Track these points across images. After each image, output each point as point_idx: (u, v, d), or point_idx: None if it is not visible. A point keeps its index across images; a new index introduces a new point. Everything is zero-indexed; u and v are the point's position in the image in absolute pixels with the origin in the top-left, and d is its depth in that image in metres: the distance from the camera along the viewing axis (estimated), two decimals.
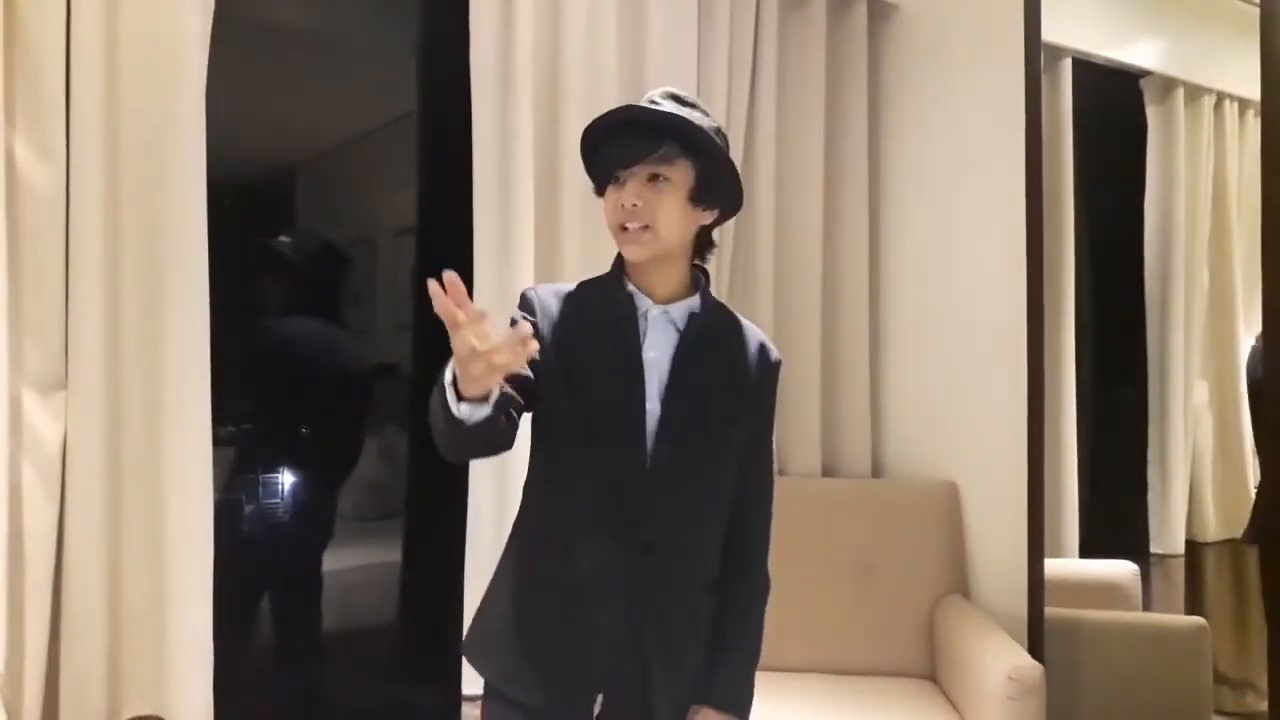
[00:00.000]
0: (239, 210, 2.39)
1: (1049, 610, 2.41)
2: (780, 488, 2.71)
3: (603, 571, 1.38)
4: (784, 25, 2.77)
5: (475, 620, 1.52)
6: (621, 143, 1.37)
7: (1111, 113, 2.73)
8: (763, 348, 1.51)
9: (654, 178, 1.37)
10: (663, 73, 2.51)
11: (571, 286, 1.48)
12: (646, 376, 1.40)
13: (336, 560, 3.40)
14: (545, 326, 1.40)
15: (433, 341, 3.04)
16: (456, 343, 1.12)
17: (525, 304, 1.45)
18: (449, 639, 2.34)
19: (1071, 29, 2.60)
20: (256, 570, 2.83)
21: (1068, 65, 2.63)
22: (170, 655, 1.93)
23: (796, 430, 2.81)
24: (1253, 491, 2.50)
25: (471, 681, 2.30)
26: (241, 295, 2.64)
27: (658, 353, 1.42)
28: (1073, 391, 2.63)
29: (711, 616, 1.47)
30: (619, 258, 1.45)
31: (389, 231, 3.36)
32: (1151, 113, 2.63)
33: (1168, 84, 2.61)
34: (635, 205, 1.36)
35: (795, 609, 2.59)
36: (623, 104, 1.42)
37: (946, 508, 2.67)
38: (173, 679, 1.93)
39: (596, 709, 1.39)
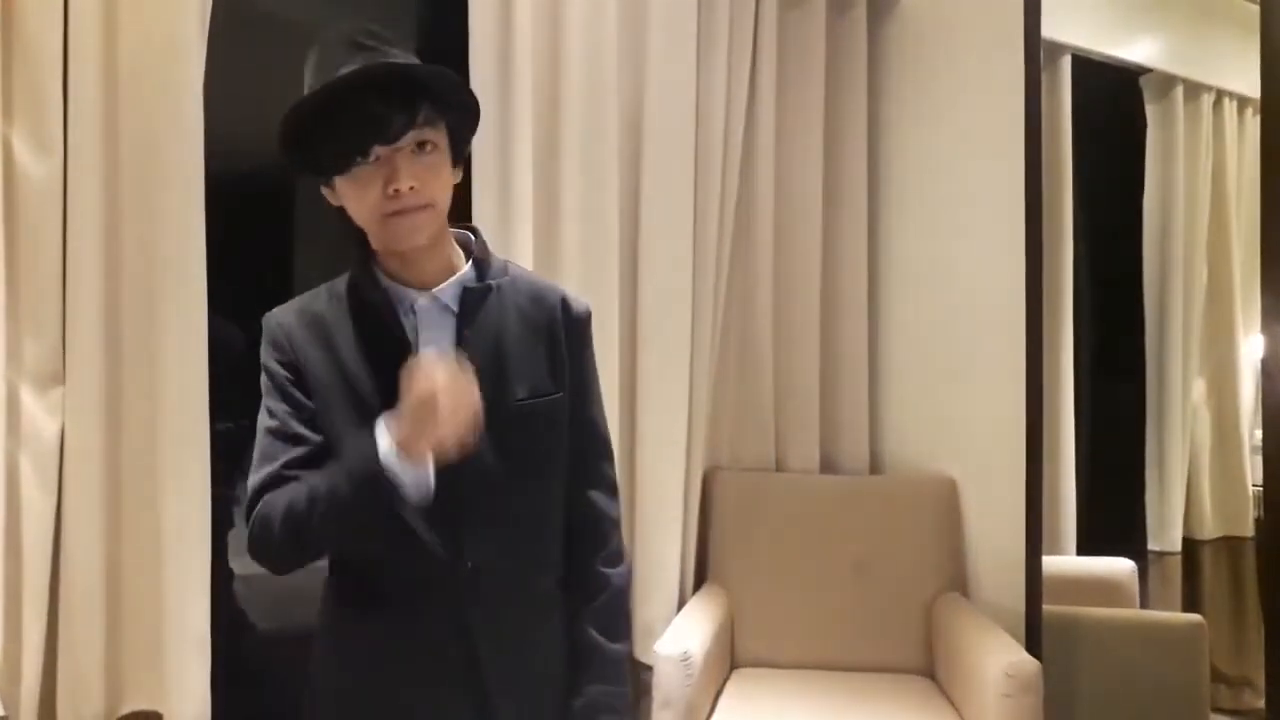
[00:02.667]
0: (238, 205, 2.38)
1: (1047, 607, 2.42)
2: (778, 483, 2.75)
3: (429, 617, 1.20)
4: (783, 23, 2.77)
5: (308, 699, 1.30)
6: (367, 111, 1.10)
7: (1111, 110, 2.74)
8: (565, 302, 1.29)
9: (420, 146, 1.15)
10: (662, 72, 2.51)
11: (315, 299, 1.26)
12: None
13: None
14: (305, 360, 1.20)
15: None
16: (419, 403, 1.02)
17: (274, 344, 1.22)
18: None
19: (1071, 26, 2.60)
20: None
21: (1067, 62, 2.63)
22: (168, 651, 1.93)
23: (795, 427, 2.81)
24: (1251, 490, 2.51)
25: None
26: (239, 290, 2.64)
27: (437, 347, 1.18)
28: (1071, 388, 2.63)
29: (561, 634, 1.29)
30: (361, 250, 1.24)
31: None
32: (1151, 110, 2.63)
33: (1167, 81, 2.61)
34: (413, 188, 1.13)
35: (793, 605, 2.59)
36: (325, 60, 1.15)
37: (945, 504, 2.67)
38: (171, 674, 1.93)
39: None
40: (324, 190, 1.21)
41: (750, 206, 2.75)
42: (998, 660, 2.08)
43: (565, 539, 1.30)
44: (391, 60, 1.13)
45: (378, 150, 1.12)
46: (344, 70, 1.10)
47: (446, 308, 1.22)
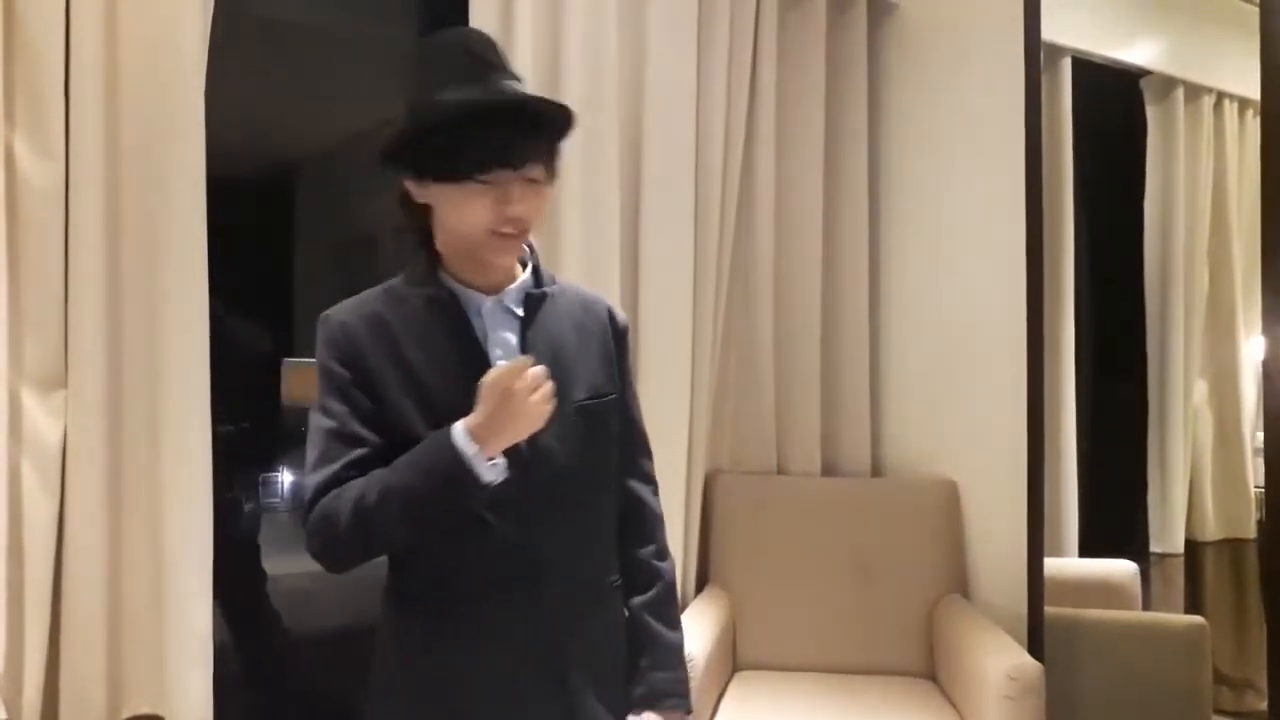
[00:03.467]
0: (240, 208, 2.38)
1: (1049, 609, 2.42)
2: (780, 486, 2.75)
3: (513, 611, 1.23)
4: (784, 24, 2.77)
5: (371, 700, 1.31)
6: (503, 136, 1.15)
7: (1111, 112, 2.74)
8: (611, 312, 1.37)
9: (533, 179, 1.20)
10: (662, 73, 2.51)
11: (373, 300, 1.27)
12: None
13: None
14: (367, 360, 1.22)
15: None
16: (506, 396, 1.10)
17: (334, 343, 1.23)
18: None
19: (1071, 28, 2.60)
20: (257, 568, 2.84)
21: (1067, 64, 2.63)
22: (170, 654, 1.93)
23: (796, 429, 2.81)
24: (1253, 492, 2.50)
25: None
26: (241, 292, 2.64)
27: (505, 350, 1.25)
28: (1072, 390, 2.63)
29: (623, 621, 1.35)
30: (426, 252, 1.28)
31: (389, 229, 3.35)
32: (1151, 112, 2.63)
33: (1167, 83, 2.61)
34: (526, 213, 1.19)
35: (795, 608, 2.59)
36: (467, 76, 1.18)
37: (946, 507, 2.67)
38: (172, 678, 1.92)
39: None
40: (409, 184, 1.22)
41: (751, 208, 2.75)
42: (1000, 662, 2.08)
43: (622, 542, 1.37)
44: (529, 93, 1.20)
45: (499, 173, 1.16)
46: (481, 91, 1.16)
47: (510, 311, 1.27)
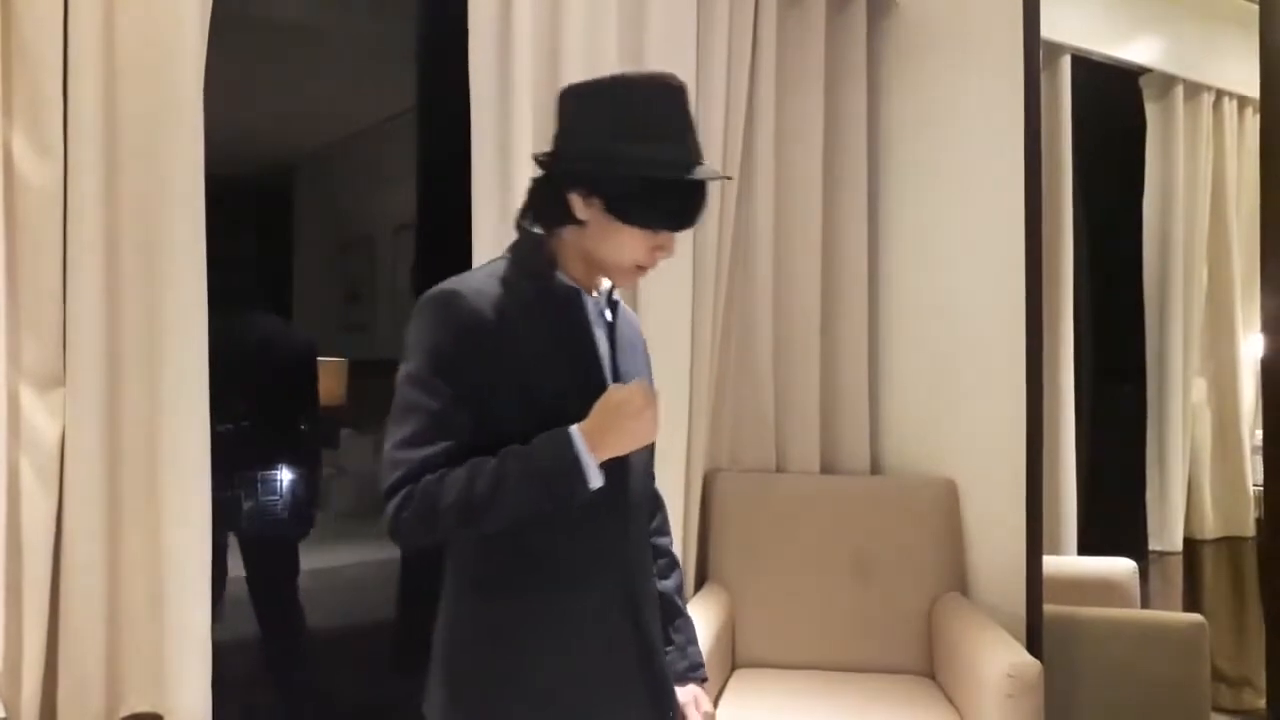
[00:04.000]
0: (238, 207, 2.38)
1: (1048, 608, 2.42)
2: (779, 484, 2.75)
3: (611, 595, 1.32)
4: (783, 23, 2.77)
5: (454, 687, 1.33)
6: (695, 204, 1.27)
7: (1111, 110, 2.74)
8: (638, 321, 1.52)
9: None
10: (661, 70, 2.51)
11: (489, 285, 1.29)
12: (607, 377, 1.34)
13: (335, 557, 3.41)
14: (485, 347, 1.24)
15: None
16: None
17: (449, 323, 1.25)
18: None
19: (1071, 26, 2.60)
20: (254, 566, 2.84)
21: (1067, 62, 2.63)
22: (169, 652, 1.93)
23: (795, 427, 2.81)
24: (1252, 490, 2.51)
25: None
26: (239, 292, 2.64)
27: (603, 347, 1.36)
28: (1071, 389, 2.63)
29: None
30: (534, 240, 1.33)
31: (388, 228, 3.36)
32: (1150, 110, 2.63)
33: (1167, 81, 2.61)
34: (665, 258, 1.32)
35: (793, 606, 2.59)
36: (679, 136, 1.27)
37: (945, 505, 2.67)
38: (171, 676, 1.92)
39: None
40: (581, 198, 1.27)
41: (750, 206, 2.75)
42: (999, 661, 2.08)
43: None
44: (715, 171, 1.29)
45: (674, 228, 1.28)
46: (688, 154, 1.26)
47: (602, 313, 1.37)
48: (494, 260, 1.37)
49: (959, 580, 2.64)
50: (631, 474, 1.34)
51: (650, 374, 1.47)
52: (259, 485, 2.87)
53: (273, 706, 2.82)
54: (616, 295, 1.40)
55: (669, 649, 1.47)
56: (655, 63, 2.51)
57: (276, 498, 2.89)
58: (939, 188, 2.81)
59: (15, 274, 1.81)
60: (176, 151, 1.92)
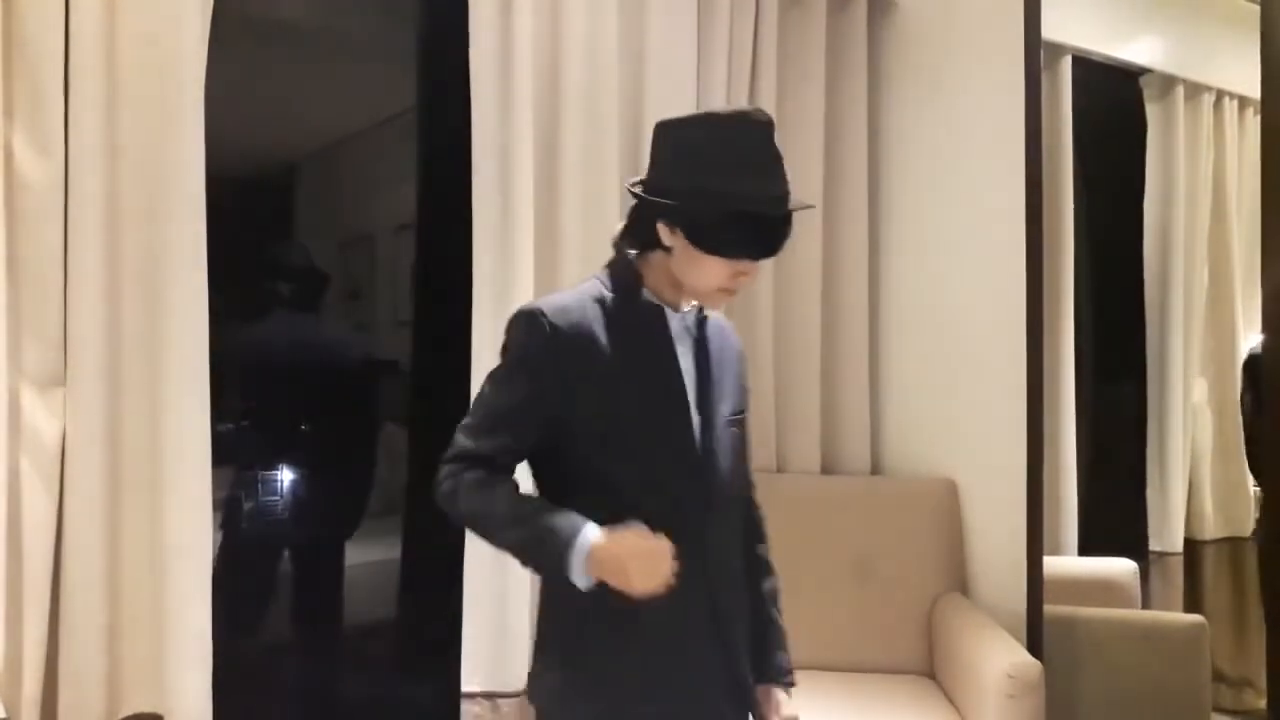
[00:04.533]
0: (238, 206, 2.38)
1: (1048, 608, 2.42)
2: (780, 485, 2.75)
3: (691, 599, 1.35)
4: (783, 23, 2.77)
5: (549, 683, 1.43)
6: (774, 234, 1.35)
7: (1111, 110, 2.73)
8: (736, 337, 1.55)
9: None
10: (663, 70, 2.51)
11: (580, 303, 1.37)
12: (688, 392, 1.40)
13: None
14: (570, 359, 1.33)
15: (431, 338, 3.04)
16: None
17: (540, 342, 1.33)
18: (448, 636, 2.35)
19: (1071, 26, 2.60)
20: (255, 567, 2.84)
21: (1067, 63, 2.63)
22: (169, 653, 1.93)
23: (796, 428, 2.81)
24: (1252, 490, 2.50)
25: (471, 679, 2.30)
26: (240, 292, 2.64)
27: (685, 362, 1.42)
28: (1072, 389, 2.63)
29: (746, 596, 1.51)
30: (625, 260, 1.41)
31: (389, 228, 3.35)
32: (1151, 110, 2.63)
33: (1167, 82, 2.61)
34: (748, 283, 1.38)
35: (794, 606, 2.57)
36: (759, 168, 1.34)
37: (946, 505, 2.67)
38: (171, 676, 1.93)
39: None
40: (667, 227, 1.35)
41: None
42: (999, 661, 2.08)
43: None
44: (796, 203, 1.35)
45: (754, 257, 1.35)
46: (774, 188, 1.33)
47: (687, 328, 1.44)
48: (588, 278, 1.44)
49: (959, 580, 2.64)
50: (710, 478, 1.39)
51: (743, 385, 1.51)
52: (259, 486, 2.87)
53: (273, 707, 2.82)
54: (708, 311, 1.47)
55: (762, 653, 1.51)
56: (656, 64, 2.52)
57: (276, 498, 2.89)
58: (939, 188, 2.81)
59: (16, 274, 1.81)
60: (177, 151, 1.92)
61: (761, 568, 1.57)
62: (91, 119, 1.86)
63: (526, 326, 1.35)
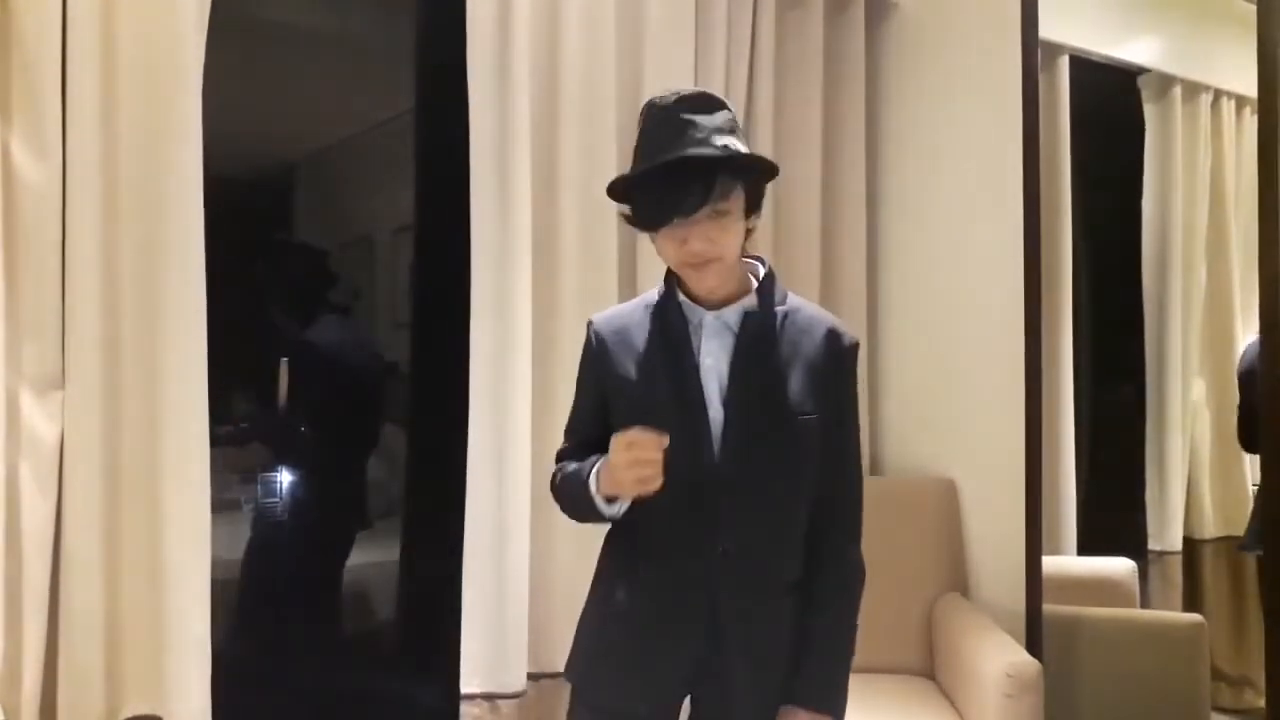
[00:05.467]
0: (237, 208, 2.38)
1: (1047, 607, 2.42)
2: None
3: (683, 580, 1.43)
4: (781, 24, 2.77)
5: (574, 642, 1.58)
6: (676, 189, 1.34)
7: (1109, 110, 2.73)
8: (832, 333, 1.48)
9: (715, 213, 1.37)
10: (660, 72, 2.51)
11: (633, 309, 1.53)
12: (705, 384, 1.42)
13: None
14: (607, 361, 1.49)
15: (431, 340, 3.04)
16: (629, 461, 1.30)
17: (587, 349, 1.53)
18: (448, 637, 2.35)
19: (1069, 26, 2.60)
20: (255, 568, 2.84)
21: (1065, 63, 2.63)
22: (168, 655, 1.93)
23: None
24: (1251, 490, 2.50)
25: (470, 680, 2.30)
26: (239, 294, 2.64)
27: (714, 359, 1.44)
28: (1070, 389, 2.63)
29: (795, 618, 1.47)
30: (670, 274, 1.48)
31: (387, 230, 3.36)
32: (1149, 110, 2.63)
33: (1165, 81, 2.61)
34: (702, 248, 1.38)
35: None
36: (656, 144, 1.37)
37: (944, 505, 2.67)
38: (171, 678, 1.93)
39: (684, 714, 1.50)
40: (651, 237, 1.44)
41: None
42: (998, 661, 2.08)
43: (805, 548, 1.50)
44: (705, 154, 1.34)
45: (678, 222, 1.36)
46: (662, 158, 1.35)
47: (727, 327, 1.45)
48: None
49: (958, 580, 2.64)
50: (724, 477, 1.41)
51: (823, 382, 1.45)
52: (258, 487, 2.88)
53: (273, 708, 2.82)
54: (780, 307, 1.48)
55: (791, 672, 1.46)
56: (653, 65, 2.52)
57: (275, 500, 2.90)
58: (938, 188, 2.81)
59: (14, 276, 1.82)
60: (175, 153, 1.92)
61: (827, 596, 1.51)
62: (89, 120, 1.86)
63: (587, 333, 1.53)
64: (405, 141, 3.02)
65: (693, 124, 1.36)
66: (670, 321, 1.47)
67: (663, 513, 1.41)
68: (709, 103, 1.39)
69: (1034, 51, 2.46)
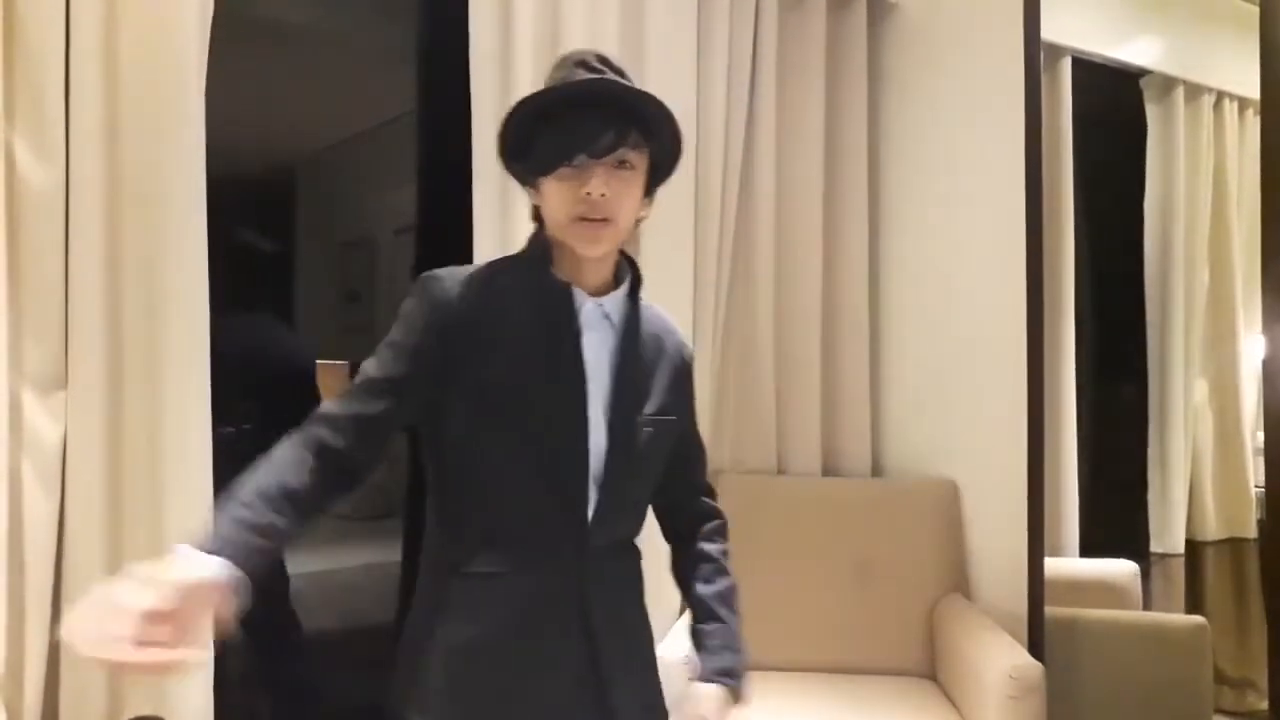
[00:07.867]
0: (239, 209, 2.38)
1: (1049, 609, 2.41)
2: (780, 487, 2.75)
3: (558, 594, 1.29)
4: (783, 24, 2.77)
5: (408, 674, 1.39)
6: (588, 125, 1.20)
7: (1111, 112, 2.74)
8: (680, 341, 1.43)
9: (621, 164, 1.23)
10: (662, 73, 2.51)
11: (480, 272, 1.29)
12: (589, 382, 1.28)
13: (336, 560, 3.40)
14: (458, 333, 1.24)
15: None
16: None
17: (426, 307, 1.25)
18: None
19: (1071, 28, 2.60)
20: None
21: (1067, 64, 2.63)
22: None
23: (796, 430, 2.81)
24: (1254, 492, 2.50)
25: None
26: (241, 293, 2.64)
27: (594, 353, 1.29)
28: (1073, 390, 2.63)
29: (637, 579, 1.42)
30: (540, 240, 1.31)
31: (389, 230, 3.36)
32: (1151, 111, 2.63)
33: (1167, 83, 2.61)
34: (604, 195, 1.21)
35: (795, 608, 2.59)
36: (561, 76, 1.24)
37: (946, 507, 2.67)
38: (173, 679, 1.92)
39: None
40: (527, 190, 1.31)
41: (751, 208, 2.75)
42: (1000, 662, 2.08)
43: (682, 533, 1.51)
44: (627, 84, 1.23)
45: (582, 158, 1.21)
46: (579, 78, 1.22)
47: (607, 318, 1.32)
48: (509, 255, 1.38)
49: (960, 582, 2.64)
50: (601, 477, 1.29)
51: (677, 385, 1.39)
52: None
53: (273, 709, 2.82)
54: (643, 304, 1.37)
55: (701, 652, 1.43)
56: (655, 65, 2.51)
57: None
58: (939, 188, 2.81)
59: (17, 277, 1.81)
60: (178, 154, 1.92)
61: (708, 567, 1.48)
62: (92, 121, 1.86)
63: (419, 290, 1.26)
64: (408, 142, 3.02)
65: (610, 67, 1.25)
66: (551, 302, 1.28)
67: (533, 522, 1.28)
68: (620, 69, 1.27)
69: (1036, 53, 2.46)
